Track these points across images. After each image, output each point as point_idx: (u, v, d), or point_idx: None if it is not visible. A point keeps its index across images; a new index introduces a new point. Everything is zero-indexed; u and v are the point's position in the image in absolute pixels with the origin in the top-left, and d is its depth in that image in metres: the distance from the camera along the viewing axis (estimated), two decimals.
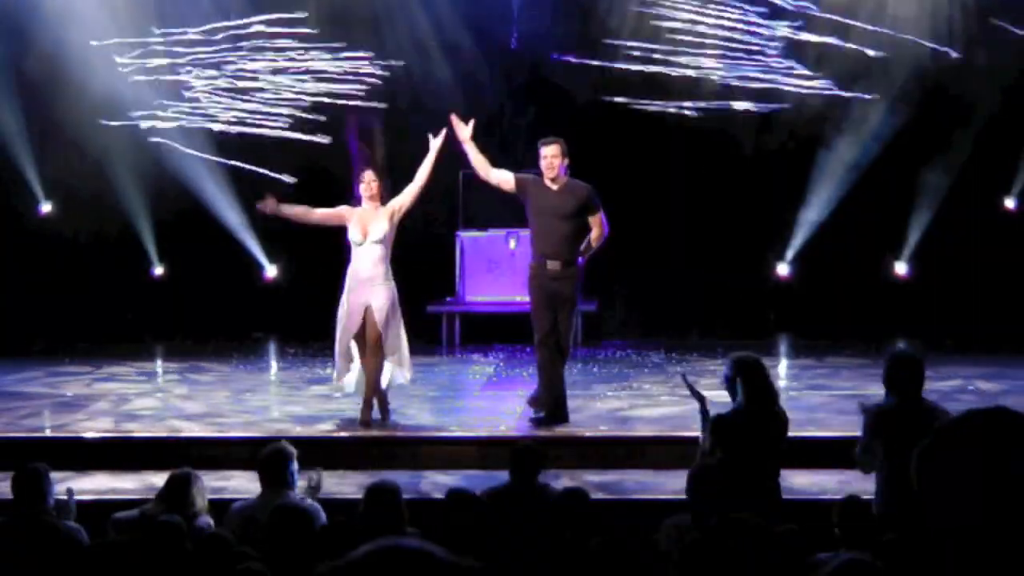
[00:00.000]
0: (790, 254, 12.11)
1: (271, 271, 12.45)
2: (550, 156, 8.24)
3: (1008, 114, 11.71)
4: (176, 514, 5.25)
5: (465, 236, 10.91)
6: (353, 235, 8.19)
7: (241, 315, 12.90)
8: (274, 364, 12.12)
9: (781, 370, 10.36)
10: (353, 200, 8.51)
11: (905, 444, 5.34)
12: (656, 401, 9.00)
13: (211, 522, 5.58)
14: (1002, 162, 12.19)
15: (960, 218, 11.99)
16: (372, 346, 8.17)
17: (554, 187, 8.26)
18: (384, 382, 8.30)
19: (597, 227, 8.40)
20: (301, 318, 12.65)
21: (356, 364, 8.37)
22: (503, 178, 8.46)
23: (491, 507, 5.58)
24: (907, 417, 5.62)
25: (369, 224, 8.16)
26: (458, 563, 1.48)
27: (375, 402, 8.26)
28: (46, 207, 10.76)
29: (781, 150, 11.93)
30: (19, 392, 9.75)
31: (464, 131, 8.33)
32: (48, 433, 8.56)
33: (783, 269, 12.13)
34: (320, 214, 8.43)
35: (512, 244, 10.21)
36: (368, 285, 8.14)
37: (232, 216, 11.88)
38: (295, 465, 5.74)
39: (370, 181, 8.26)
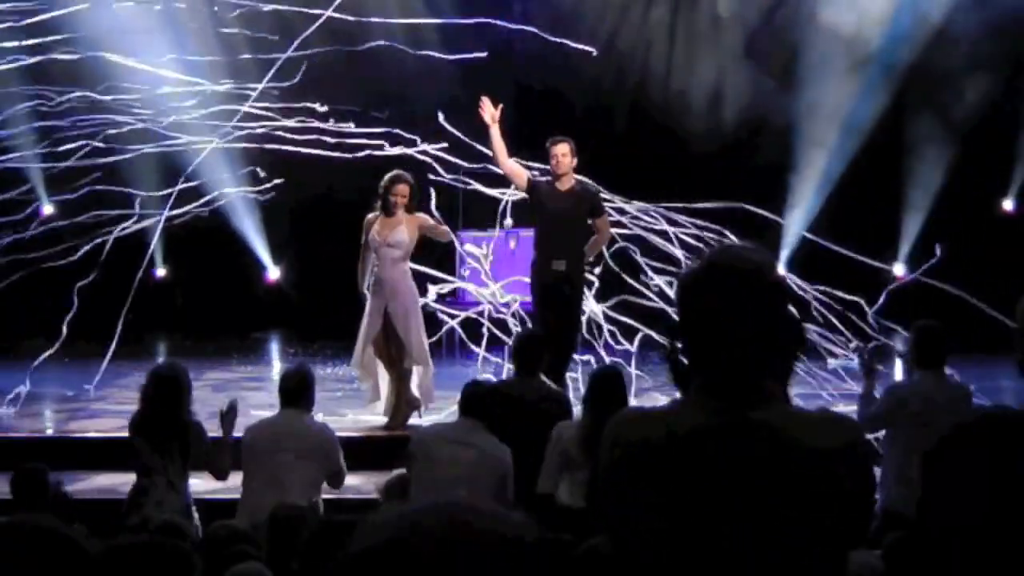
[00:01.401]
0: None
1: (274, 273, 12.44)
2: (559, 154, 8.28)
3: (1003, 113, 11.73)
4: (166, 412, 5.82)
5: (465, 236, 10.89)
6: (373, 238, 8.28)
7: (242, 316, 12.94)
8: (276, 364, 12.14)
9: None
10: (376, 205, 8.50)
11: (919, 428, 5.40)
12: (655, 400, 9.00)
13: (199, 420, 6.02)
14: (1000, 163, 12.21)
15: (958, 219, 12.00)
16: (397, 350, 8.22)
17: (562, 188, 8.30)
18: (415, 388, 8.34)
19: (602, 230, 8.45)
20: (302, 319, 12.69)
21: (379, 376, 8.42)
22: (517, 172, 8.50)
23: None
24: (927, 393, 5.64)
25: (391, 228, 8.26)
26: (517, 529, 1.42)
27: (402, 406, 8.31)
28: (48, 208, 10.73)
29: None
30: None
31: (491, 113, 8.32)
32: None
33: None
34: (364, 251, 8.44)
35: (512, 244, 10.19)
36: (387, 287, 8.23)
37: (237, 217, 11.87)
38: (314, 385, 6.15)
39: (403, 195, 8.30)
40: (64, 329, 9.56)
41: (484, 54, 10.42)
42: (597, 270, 9.38)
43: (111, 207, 10.40)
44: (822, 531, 2.02)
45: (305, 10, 10.19)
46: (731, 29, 12.50)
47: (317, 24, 10.00)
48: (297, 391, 6.06)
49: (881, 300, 9.79)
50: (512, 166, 8.52)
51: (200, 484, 6.37)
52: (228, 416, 6.11)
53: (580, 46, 10.43)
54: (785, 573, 2.03)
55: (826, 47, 11.56)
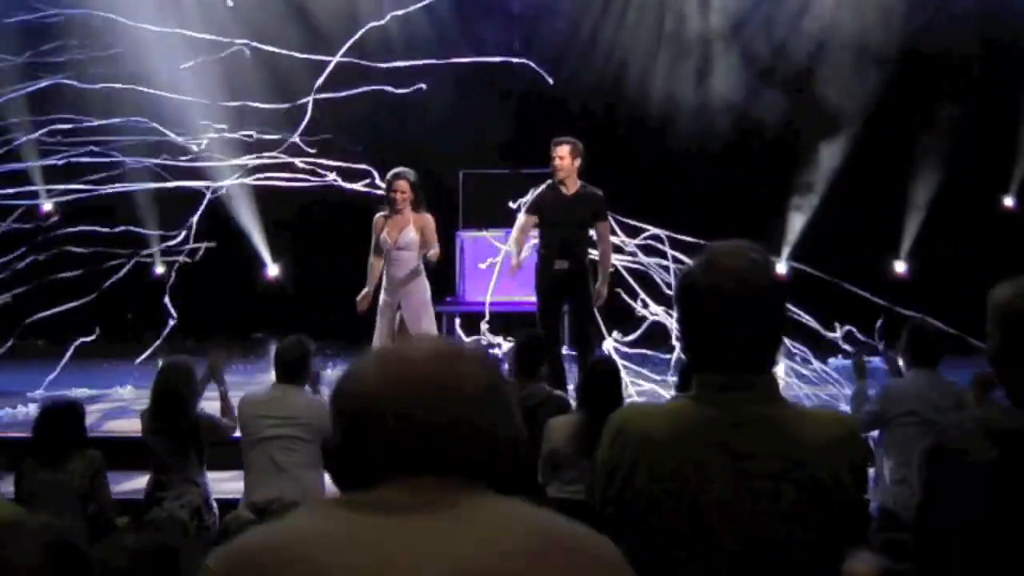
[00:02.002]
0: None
1: (273, 270, 12.43)
2: (556, 156, 8.27)
3: (1003, 110, 11.71)
4: (175, 407, 5.80)
5: (465, 236, 10.89)
6: (383, 239, 8.34)
7: (242, 316, 12.93)
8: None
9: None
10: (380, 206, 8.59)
11: (913, 427, 5.39)
12: (657, 398, 9.00)
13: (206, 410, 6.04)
14: (1000, 160, 12.19)
15: (958, 216, 11.99)
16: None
17: (567, 192, 8.29)
18: None
19: (604, 236, 8.40)
20: (302, 319, 12.64)
21: None
22: (528, 224, 8.49)
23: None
24: (922, 392, 5.64)
25: (399, 229, 8.31)
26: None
27: None
28: (47, 206, 10.74)
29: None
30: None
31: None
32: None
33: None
34: (375, 250, 8.49)
35: None
36: (400, 287, 8.31)
37: (237, 215, 11.88)
38: (311, 360, 6.11)
39: (403, 191, 8.31)
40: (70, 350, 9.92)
41: (423, 85, 10.40)
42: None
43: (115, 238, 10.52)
44: (821, 530, 2.03)
45: (316, 57, 10.28)
46: (725, 32, 12.48)
47: (329, 68, 10.15)
48: (297, 365, 5.95)
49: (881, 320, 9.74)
50: (522, 229, 8.52)
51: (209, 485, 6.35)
52: (219, 366, 6.28)
53: (543, 72, 10.38)
54: (785, 572, 2.03)
55: (822, 44, 11.58)
